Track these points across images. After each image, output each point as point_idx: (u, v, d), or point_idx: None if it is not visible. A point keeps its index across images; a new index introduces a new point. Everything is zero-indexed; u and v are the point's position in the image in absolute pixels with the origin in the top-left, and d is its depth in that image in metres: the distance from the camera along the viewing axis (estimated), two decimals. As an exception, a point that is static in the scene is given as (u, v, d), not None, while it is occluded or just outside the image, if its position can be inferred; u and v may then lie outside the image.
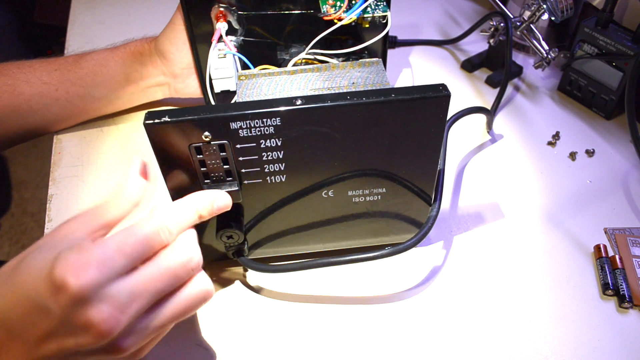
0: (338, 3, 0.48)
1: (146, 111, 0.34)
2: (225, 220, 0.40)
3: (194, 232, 0.34)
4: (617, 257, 0.45)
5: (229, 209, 0.37)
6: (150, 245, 0.31)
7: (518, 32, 0.61)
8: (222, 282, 0.45)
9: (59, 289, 0.27)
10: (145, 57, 0.55)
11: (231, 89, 0.51)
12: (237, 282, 0.45)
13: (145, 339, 0.32)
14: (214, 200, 0.36)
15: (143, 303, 0.30)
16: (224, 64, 0.49)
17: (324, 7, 0.48)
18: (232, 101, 0.49)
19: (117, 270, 0.29)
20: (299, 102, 0.34)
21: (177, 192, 0.38)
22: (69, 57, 0.55)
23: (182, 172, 0.37)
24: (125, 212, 0.33)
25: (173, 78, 0.56)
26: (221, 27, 0.49)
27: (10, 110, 0.52)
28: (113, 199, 0.33)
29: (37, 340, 0.29)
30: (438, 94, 0.35)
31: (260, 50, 0.52)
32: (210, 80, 0.50)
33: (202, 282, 0.33)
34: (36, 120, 0.54)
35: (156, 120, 0.34)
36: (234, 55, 0.49)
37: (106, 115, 0.59)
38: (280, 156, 0.37)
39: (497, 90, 0.61)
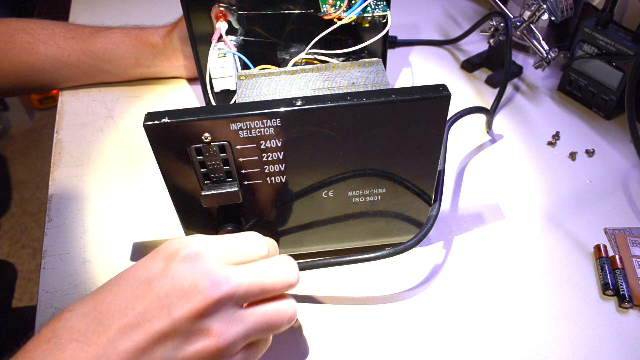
0: (338, 2, 0.48)
1: (146, 112, 0.34)
2: (225, 222, 0.40)
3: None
4: (617, 257, 0.45)
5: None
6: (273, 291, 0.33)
7: (518, 32, 0.61)
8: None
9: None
10: (157, 49, 0.59)
11: (231, 88, 0.51)
12: (237, 283, 0.45)
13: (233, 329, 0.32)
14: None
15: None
16: (224, 63, 0.49)
17: (324, 6, 0.48)
18: (232, 101, 0.49)
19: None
20: (299, 102, 0.34)
21: (176, 193, 0.38)
22: (86, 29, 0.59)
23: (182, 173, 0.37)
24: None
25: (186, 70, 0.61)
26: (221, 26, 0.49)
27: (27, 67, 0.57)
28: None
29: (117, 335, 0.29)
30: (438, 95, 0.35)
31: (260, 50, 0.52)
32: (210, 79, 0.50)
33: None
34: (46, 78, 0.59)
35: (156, 122, 0.34)
36: (234, 54, 0.49)
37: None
38: (280, 157, 0.37)
39: (497, 90, 0.61)
